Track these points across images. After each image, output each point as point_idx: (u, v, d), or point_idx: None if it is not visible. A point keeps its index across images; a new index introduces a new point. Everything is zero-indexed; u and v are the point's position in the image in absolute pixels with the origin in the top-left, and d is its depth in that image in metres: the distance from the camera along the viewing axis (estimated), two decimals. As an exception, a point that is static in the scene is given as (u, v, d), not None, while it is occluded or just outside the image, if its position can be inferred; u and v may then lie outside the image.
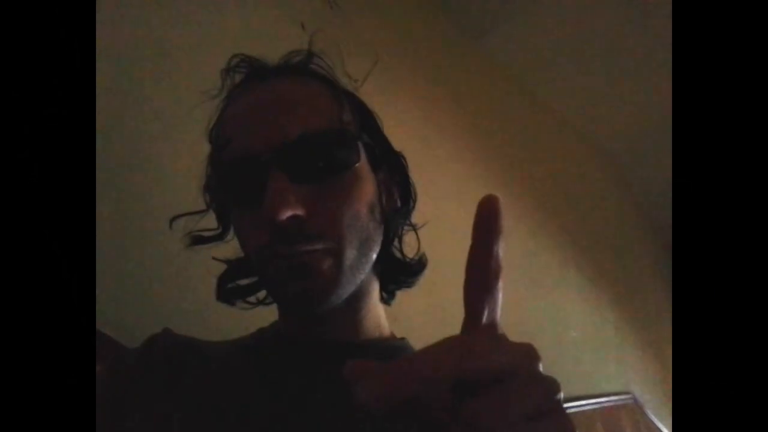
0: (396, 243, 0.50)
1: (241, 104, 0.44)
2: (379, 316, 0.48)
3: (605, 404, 1.80)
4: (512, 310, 1.55)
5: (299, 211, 0.38)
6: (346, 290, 0.41)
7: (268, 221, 0.37)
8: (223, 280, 0.49)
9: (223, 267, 0.50)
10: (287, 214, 0.37)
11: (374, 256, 0.44)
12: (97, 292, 0.37)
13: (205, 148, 0.47)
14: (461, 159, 1.61)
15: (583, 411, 1.64)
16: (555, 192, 2.13)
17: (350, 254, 0.40)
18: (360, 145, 0.43)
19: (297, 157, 0.39)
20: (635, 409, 2.04)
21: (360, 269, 0.42)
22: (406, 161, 0.51)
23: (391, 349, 0.47)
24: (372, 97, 0.51)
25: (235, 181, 0.41)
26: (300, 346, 0.45)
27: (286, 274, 0.39)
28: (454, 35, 1.84)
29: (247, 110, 0.43)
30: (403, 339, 0.50)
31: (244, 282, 0.50)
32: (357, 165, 0.42)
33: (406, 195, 0.50)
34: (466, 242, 0.25)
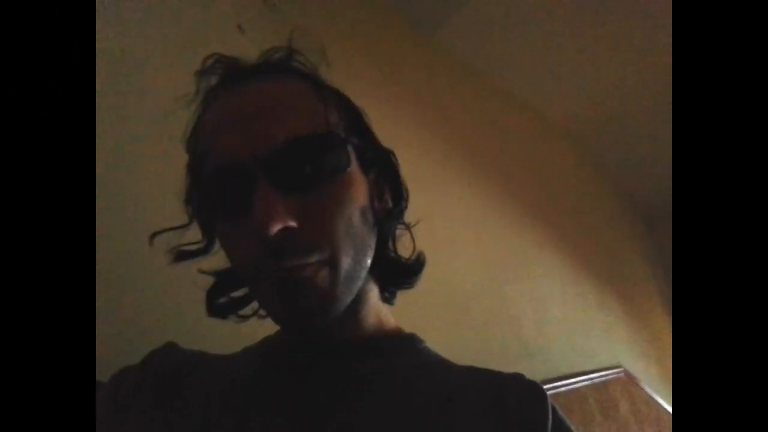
0: (390, 245, 0.48)
1: (219, 109, 0.40)
2: (380, 313, 0.47)
3: (596, 380, 1.81)
4: (496, 298, 1.56)
5: (290, 222, 0.36)
6: (344, 302, 0.39)
7: (258, 235, 0.35)
8: (212, 295, 0.47)
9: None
10: (278, 226, 0.35)
11: (369, 261, 0.42)
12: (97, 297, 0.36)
13: (183, 156, 0.43)
14: (427, 155, 1.59)
15: (575, 389, 1.65)
16: (527, 177, 2.14)
17: (346, 263, 0.38)
18: (350, 148, 0.41)
19: (284, 165, 0.37)
20: (628, 382, 2.06)
21: (356, 278, 0.40)
22: (396, 159, 0.49)
23: (399, 344, 0.46)
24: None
25: (220, 191, 0.39)
26: (306, 351, 0.43)
27: (280, 293, 0.37)
28: (407, 30, 1.83)
29: (227, 116, 0.39)
30: (411, 334, 0.49)
31: (235, 294, 0.47)
32: (348, 170, 0.40)
33: (398, 195, 0.48)
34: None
